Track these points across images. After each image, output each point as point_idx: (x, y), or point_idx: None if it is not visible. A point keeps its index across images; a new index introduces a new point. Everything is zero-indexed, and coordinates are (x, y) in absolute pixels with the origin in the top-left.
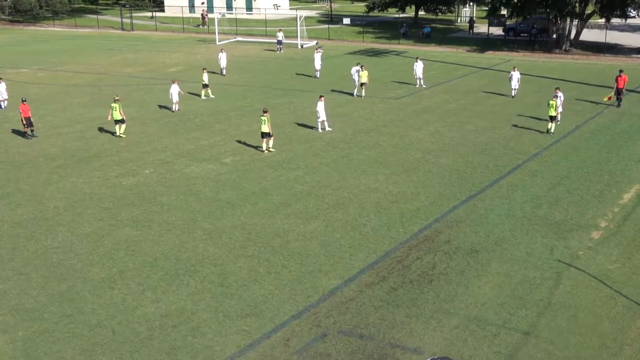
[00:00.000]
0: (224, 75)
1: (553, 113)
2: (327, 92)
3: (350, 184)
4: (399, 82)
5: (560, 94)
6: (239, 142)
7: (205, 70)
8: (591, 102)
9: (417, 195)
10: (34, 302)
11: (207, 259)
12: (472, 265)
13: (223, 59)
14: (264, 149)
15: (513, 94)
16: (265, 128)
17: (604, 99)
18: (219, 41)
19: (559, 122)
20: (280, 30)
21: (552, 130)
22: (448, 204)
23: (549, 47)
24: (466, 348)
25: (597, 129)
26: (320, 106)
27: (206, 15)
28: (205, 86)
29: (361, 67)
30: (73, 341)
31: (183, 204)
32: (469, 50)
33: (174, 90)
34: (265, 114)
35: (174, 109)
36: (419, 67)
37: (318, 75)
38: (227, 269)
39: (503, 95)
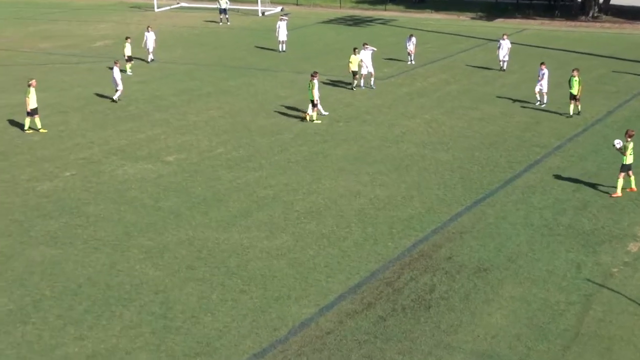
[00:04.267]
0: (150, 61)
1: (575, 91)
2: (295, 72)
3: (325, 187)
4: (387, 59)
5: (545, 70)
6: (185, 135)
7: (128, 40)
8: (624, 81)
9: (410, 200)
10: None
11: (146, 284)
12: (479, 287)
13: (150, 40)
14: (310, 118)
15: (503, 67)
16: (311, 95)
17: None
18: (157, 7)
19: (578, 108)
20: None
21: (577, 112)
22: (449, 211)
23: (572, 13)
24: None
25: (634, 115)
26: (309, 86)
27: None
28: (129, 59)
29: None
30: None
31: (114, 214)
32: (473, 18)
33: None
34: (312, 79)
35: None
36: (411, 44)
37: (284, 48)
38: (171, 297)
39: (516, 73)
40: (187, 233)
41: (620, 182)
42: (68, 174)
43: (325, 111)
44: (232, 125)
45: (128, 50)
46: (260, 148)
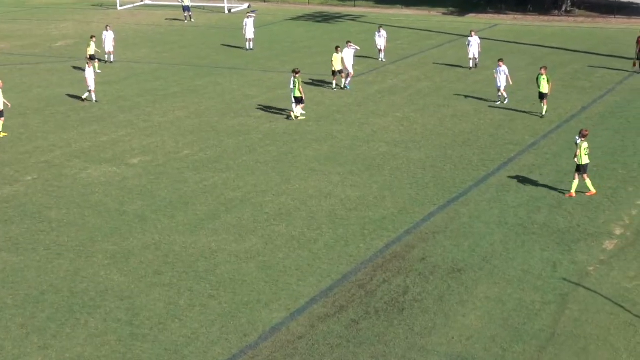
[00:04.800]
0: (111, 62)
1: (544, 90)
2: (262, 70)
3: (295, 188)
4: (357, 56)
5: (503, 67)
6: (151, 136)
7: (93, 39)
8: (598, 76)
9: (382, 201)
10: None
11: (111, 290)
12: (453, 288)
13: (109, 40)
14: (295, 116)
15: (472, 65)
16: (297, 92)
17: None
18: (120, 5)
19: (545, 104)
20: None
21: (543, 113)
22: (422, 211)
23: (545, 7)
24: None
25: (608, 111)
26: (292, 83)
27: None
28: (92, 58)
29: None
30: None
31: (78, 219)
32: (444, 13)
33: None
34: (296, 76)
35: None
36: (381, 39)
37: (251, 46)
38: (138, 303)
39: (490, 69)
40: (153, 237)
41: (575, 183)
42: (29, 178)
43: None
44: (198, 125)
45: (92, 50)
46: (227, 149)
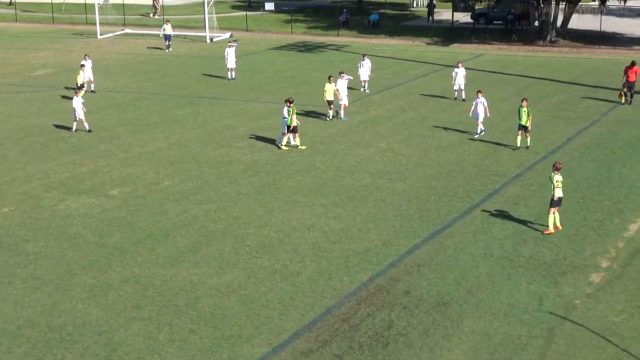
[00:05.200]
0: (92, 91)
1: (525, 122)
2: (244, 100)
3: (278, 219)
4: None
5: (481, 99)
6: (131, 167)
7: (83, 68)
8: (584, 107)
9: (366, 233)
10: None
11: (89, 324)
12: (439, 322)
13: (87, 70)
14: (297, 144)
15: (457, 96)
16: (291, 121)
17: (622, 100)
18: (101, 34)
19: (527, 141)
20: (167, 21)
21: (525, 145)
22: (406, 243)
23: (530, 37)
24: None
25: (594, 142)
26: (286, 112)
27: (158, 2)
28: (81, 87)
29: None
30: None
31: (56, 252)
32: (428, 43)
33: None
34: (290, 105)
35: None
36: (365, 68)
37: (233, 76)
38: (116, 338)
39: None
40: (132, 270)
41: (551, 218)
42: (6, 209)
43: (282, 142)
44: (179, 156)
45: (81, 78)
46: (209, 180)
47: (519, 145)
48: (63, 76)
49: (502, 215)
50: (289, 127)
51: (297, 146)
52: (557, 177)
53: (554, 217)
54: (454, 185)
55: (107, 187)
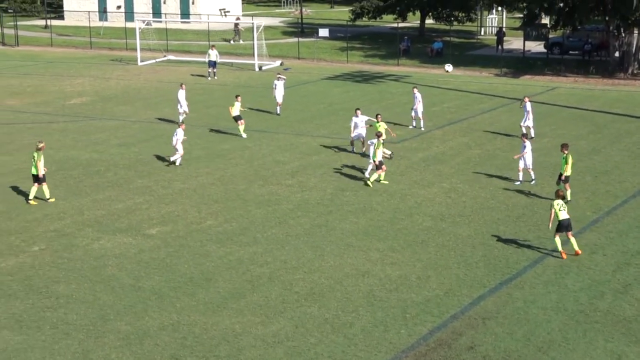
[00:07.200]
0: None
1: (567, 171)
2: (295, 134)
3: (329, 264)
4: (399, 120)
5: (527, 142)
6: (171, 205)
7: (238, 98)
8: None
9: (425, 281)
10: None
11: None
12: None
13: (182, 99)
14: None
15: (529, 134)
16: (379, 155)
17: None
18: (141, 61)
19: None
20: (213, 47)
21: (568, 198)
22: (470, 294)
23: (609, 69)
24: None
25: None
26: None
27: (239, 27)
28: (237, 119)
29: (376, 116)
30: None
31: (88, 295)
32: (497, 75)
33: (180, 134)
34: (379, 138)
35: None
36: (417, 101)
37: (279, 111)
38: None
39: (548, 137)
40: (170, 317)
41: (558, 241)
42: (36, 248)
43: (332, 178)
44: (224, 193)
45: (236, 110)
46: (255, 220)
47: (568, 198)
48: (100, 105)
49: (578, 264)
50: (374, 160)
51: (380, 180)
52: (558, 201)
53: (569, 241)
54: (524, 230)
55: (144, 226)
